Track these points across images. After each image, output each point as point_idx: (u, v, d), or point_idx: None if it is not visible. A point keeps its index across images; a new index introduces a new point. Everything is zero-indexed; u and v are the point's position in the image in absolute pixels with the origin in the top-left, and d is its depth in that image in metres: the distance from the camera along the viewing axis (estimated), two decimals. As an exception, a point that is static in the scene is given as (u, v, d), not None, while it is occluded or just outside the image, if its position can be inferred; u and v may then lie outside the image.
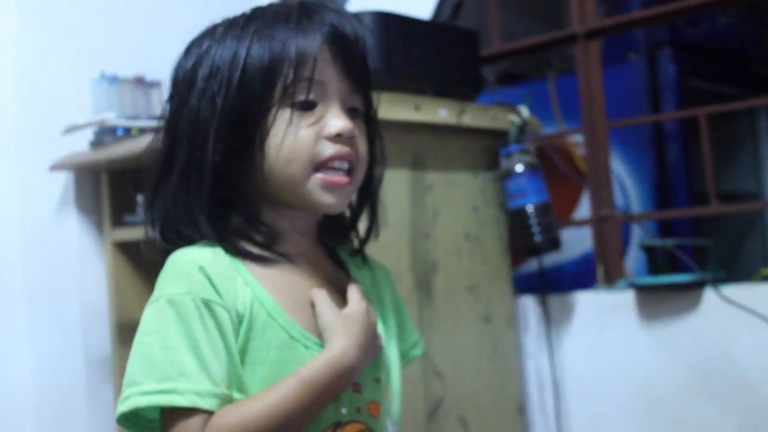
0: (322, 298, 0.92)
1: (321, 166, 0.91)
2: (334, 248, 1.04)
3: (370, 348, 0.92)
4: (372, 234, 1.04)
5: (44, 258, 2.13)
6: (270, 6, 0.95)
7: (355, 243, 1.06)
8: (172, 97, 0.96)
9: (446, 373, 1.81)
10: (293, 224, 0.95)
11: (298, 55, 0.89)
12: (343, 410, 0.90)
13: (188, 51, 0.96)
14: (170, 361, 0.83)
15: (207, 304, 0.85)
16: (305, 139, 0.90)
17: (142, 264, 2.16)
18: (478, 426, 1.88)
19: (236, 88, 0.89)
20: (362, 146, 0.94)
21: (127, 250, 2.14)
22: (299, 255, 0.95)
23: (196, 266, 0.87)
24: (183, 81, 0.94)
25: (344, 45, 0.92)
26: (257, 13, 0.94)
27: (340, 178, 0.91)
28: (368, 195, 1.02)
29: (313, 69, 0.89)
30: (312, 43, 0.90)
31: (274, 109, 0.90)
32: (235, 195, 0.91)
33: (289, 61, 0.89)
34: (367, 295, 1.00)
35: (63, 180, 2.18)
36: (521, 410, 2.04)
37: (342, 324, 0.90)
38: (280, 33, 0.90)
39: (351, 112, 0.94)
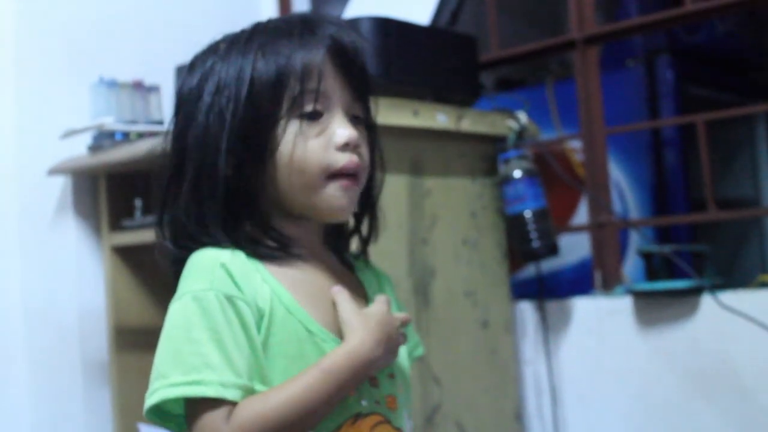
0: (342, 296, 0.96)
1: (332, 175, 0.95)
2: (341, 252, 1.08)
3: (389, 346, 0.95)
4: (373, 236, 1.08)
5: (42, 262, 2.13)
6: (271, 21, 0.99)
7: (355, 247, 1.10)
8: (177, 114, 0.99)
9: (444, 378, 1.81)
10: (302, 232, 0.99)
11: (303, 69, 0.93)
12: (363, 402, 0.94)
13: (192, 68, 1.00)
14: (195, 353, 0.86)
15: (229, 299, 0.88)
16: (315, 149, 0.94)
17: (140, 268, 2.16)
18: (475, 432, 1.88)
19: (245, 103, 0.93)
20: (365, 153, 0.99)
21: (125, 254, 2.14)
22: (312, 256, 0.99)
23: (217, 263, 0.91)
24: (189, 97, 0.97)
25: (345, 56, 0.97)
26: (259, 28, 0.98)
27: (350, 181, 0.96)
28: (369, 200, 1.06)
29: (318, 81, 0.93)
30: (316, 56, 0.94)
31: (283, 121, 0.94)
32: (247, 205, 0.95)
33: (295, 75, 0.93)
34: (374, 295, 1.04)
35: (61, 184, 2.18)
36: (518, 416, 2.03)
37: (361, 319, 0.94)
38: (284, 48, 0.94)
39: (353, 120, 0.98)
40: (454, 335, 1.86)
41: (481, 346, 1.94)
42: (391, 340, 0.96)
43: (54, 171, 2.11)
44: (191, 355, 0.86)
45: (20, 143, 2.11)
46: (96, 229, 2.20)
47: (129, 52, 2.28)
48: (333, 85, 0.95)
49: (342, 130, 0.95)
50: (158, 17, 2.37)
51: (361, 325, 0.93)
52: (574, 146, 2.29)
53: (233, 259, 0.92)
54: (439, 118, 1.82)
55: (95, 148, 2.07)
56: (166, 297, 0.94)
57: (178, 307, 0.90)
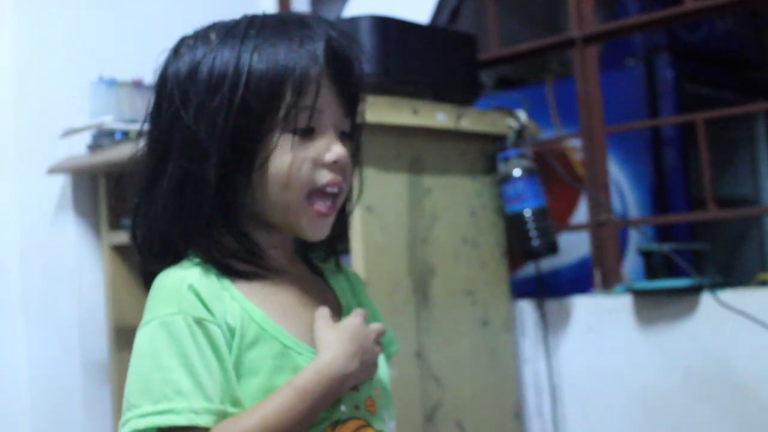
0: (320, 315, 0.94)
1: (315, 191, 0.92)
2: (309, 257, 1.04)
3: (366, 359, 0.94)
4: (340, 243, 1.05)
5: (42, 261, 2.13)
6: (268, 18, 0.94)
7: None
8: (159, 103, 0.94)
9: (443, 377, 1.81)
10: (274, 240, 0.96)
11: (301, 80, 0.89)
12: (342, 408, 0.92)
13: (178, 53, 0.95)
14: (165, 381, 0.84)
15: (199, 322, 0.86)
16: (306, 166, 0.91)
17: (140, 267, 2.15)
18: (475, 431, 1.88)
19: (238, 109, 0.88)
20: (349, 173, 0.96)
21: (124, 253, 2.14)
22: (281, 268, 0.96)
23: (185, 285, 0.87)
24: (175, 89, 0.92)
25: (343, 70, 0.93)
26: (255, 24, 0.93)
27: (329, 209, 0.93)
28: (341, 217, 1.02)
29: (316, 97, 0.90)
30: (315, 68, 0.90)
31: (275, 133, 0.90)
32: (225, 211, 0.91)
33: (292, 84, 0.89)
34: (346, 301, 1.02)
35: (61, 183, 2.18)
36: (518, 415, 2.03)
37: (333, 335, 0.92)
38: (282, 53, 0.90)
39: (340, 135, 0.95)
40: (454, 334, 1.86)
41: (481, 344, 1.94)
42: (366, 353, 0.93)
43: (54, 170, 2.12)
44: (161, 383, 0.83)
45: (20, 142, 2.11)
46: (96, 228, 2.21)
47: (128, 51, 2.28)
48: (328, 101, 0.92)
49: (334, 147, 0.92)
50: (157, 15, 2.37)
51: (334, 340, 0.91)
52: (574, 145, 2.29)
53: (201, 278, 0.89)
54: (438, 116, 1.82)
55: (95, 147, 2.07)
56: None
57: (145, 333, 0.87)
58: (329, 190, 0.93)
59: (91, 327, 2.18)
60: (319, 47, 0.91)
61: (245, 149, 0.90)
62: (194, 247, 0.92)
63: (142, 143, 0.96)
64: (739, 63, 2.81)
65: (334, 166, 0.92)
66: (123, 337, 2.11)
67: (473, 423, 1.88)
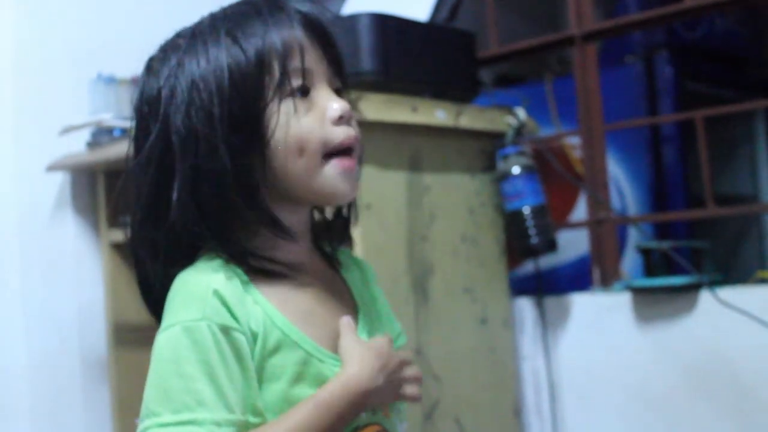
0: (346, 326, 0.93)
1: (332, 152, 0.91)
2: (324, 247, 1.03)
3: (390, 376, 0.92)
4: (353, 218, 1.04)
5: (41, 258, 2.13)
6: (230, 7, 0.94)
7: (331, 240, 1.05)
8: (144, 120, 0.93)
9: (442, 374, 1.82)
10: (295, 220, 0.94)
11: (283, 46, 0.89)
12: (362, 414, 0.91)
13: (151, 70, 0.94)
14: (187, 390, 0.82)
15: (225, 330, 0.84)
16: (311, 125, 0.90)
17: (139, 265, 2.15)
18: (474, 428, 1.88)
19: (230, 93, 0.88)
20: (356, 125, 0.95)
21: (123, 251, 2.14)
22: (301, 263, 0.95)
23: (210, 290, 0.85)
24: (158, 99, 0.91)
25: (319, 30, 0.93)
26: (219, 16, 0.93)
27: (350, 161, 0.92)
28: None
29: (302, 56, 0.90)
30: (293, 31, 0.90)
31: (273, 104, 0.89)
32: (248, 196, 0.89)
33: (276, 54, 0.89)
34: (360, 298, 1.01)
35: (60, 181, 2.18)
36: (517, 412, 2.04)
37: (358, 348, 0.91)
38: (257, 29, 0.89)
39: (336, 93, 0.94)
40: (453, 331, 1.87)
41: (480, 342, 1.94)
42: (391, 373, 0.92)
43: (53, 167, 2.11)
44: (182, 391, 0.81)
45: (19, 140, 2.11)
46: (95, 226, 2.21)
47: (127, 49, 2.27)
48: (314, 60, 0.92)
49: (334, 102, 0.91)
50: (157, 13, 2.37)
51: (360, 354, 0.90)
52: (573, 143, 2.29)
53: (226, 282, 0.86)
54: (437, 114, 1.82)
55: (94, 144, 2.07)
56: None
57: (166, 339, 0.84)
58: (345, 147, 0.91)
59: (90, 324, 2.18)
60: (292, 14, 0.91)
61: (250, 128, 0.88)
62: (224, 244, 0.89)
63: (132, 159, 0.93)
64: (739, 60, 2.81)
65: (340, 121, 0.91)
66: (122, 334, 2.11)
67: (472, 420, 1.88)
